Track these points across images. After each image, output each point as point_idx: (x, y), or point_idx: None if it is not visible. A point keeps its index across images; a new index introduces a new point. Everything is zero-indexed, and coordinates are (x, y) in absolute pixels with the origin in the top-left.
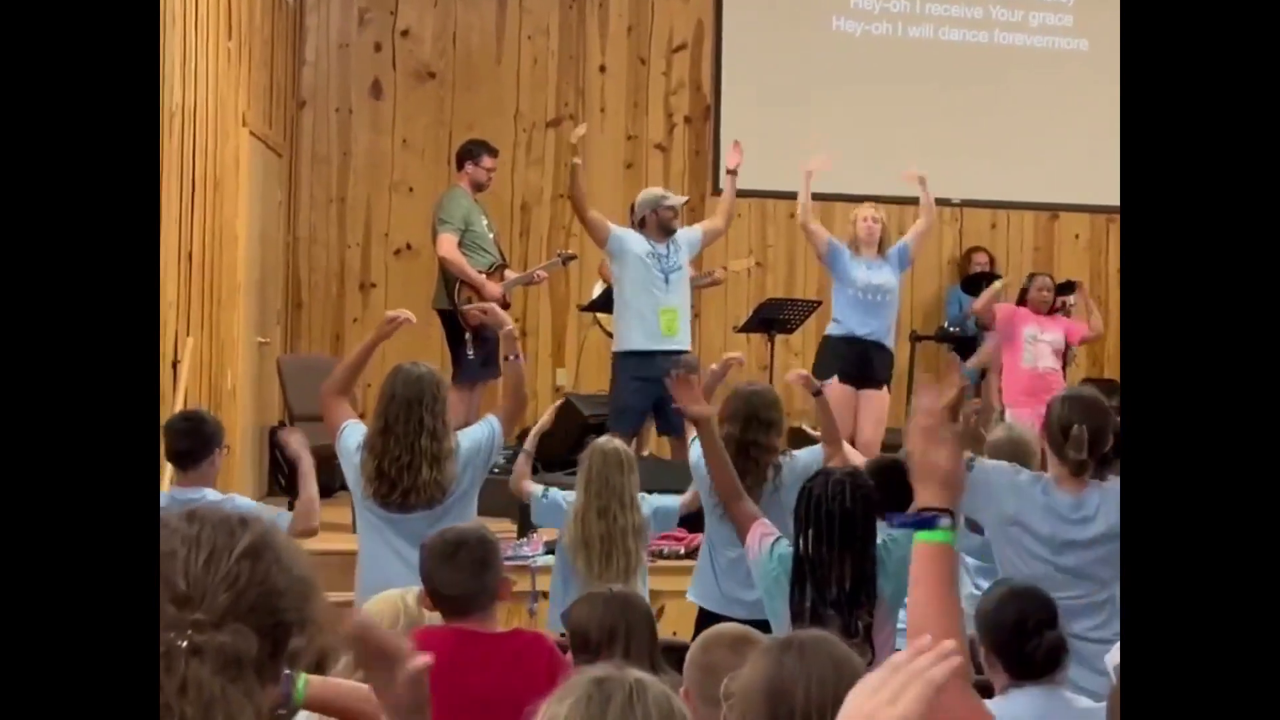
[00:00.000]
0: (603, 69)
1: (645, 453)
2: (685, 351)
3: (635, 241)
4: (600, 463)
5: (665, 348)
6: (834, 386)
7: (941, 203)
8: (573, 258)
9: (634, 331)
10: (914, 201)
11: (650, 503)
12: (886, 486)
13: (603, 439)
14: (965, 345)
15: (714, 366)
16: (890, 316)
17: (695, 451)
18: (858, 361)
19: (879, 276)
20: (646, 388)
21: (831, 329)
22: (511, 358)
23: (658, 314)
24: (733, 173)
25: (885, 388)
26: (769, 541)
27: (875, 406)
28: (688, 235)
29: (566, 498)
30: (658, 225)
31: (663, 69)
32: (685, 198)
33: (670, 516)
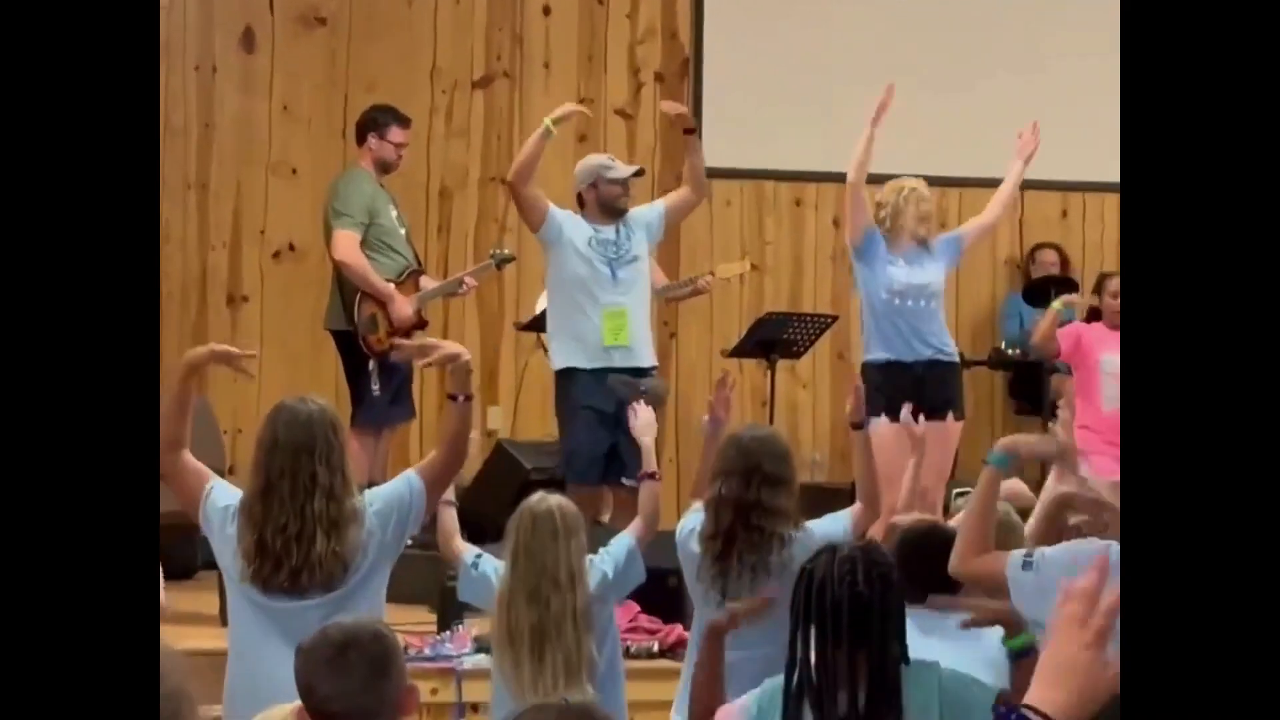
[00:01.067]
0: (547, 10)
1: (604, 517)
2: (649, 370)
3: (575, 226)
4: (529, 530)
5: (617, 363)
6: (880, 430)
7: (995, 184)
8: (510, 259)
9: (571, 343)
10: (956, 183)
11: (599, 564)
12: (919, 564)
13: (534, 498)
14: (1029, 374)
15: (706, 420)
16: (940, 322)
17: (687, 524)
18: (910, 391)
19: (921, 273)
20: (599, 419)
21: (868, 355)
22: (461, 398)
23: (600, 317)
24: (690, 131)
25: (952, 415)
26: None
27: (938, 438)
28: (644, 215)
29: (499, 571)
30: (599, 204)
31: (626, 10)
32: (637, 168)
33: (630, 572)
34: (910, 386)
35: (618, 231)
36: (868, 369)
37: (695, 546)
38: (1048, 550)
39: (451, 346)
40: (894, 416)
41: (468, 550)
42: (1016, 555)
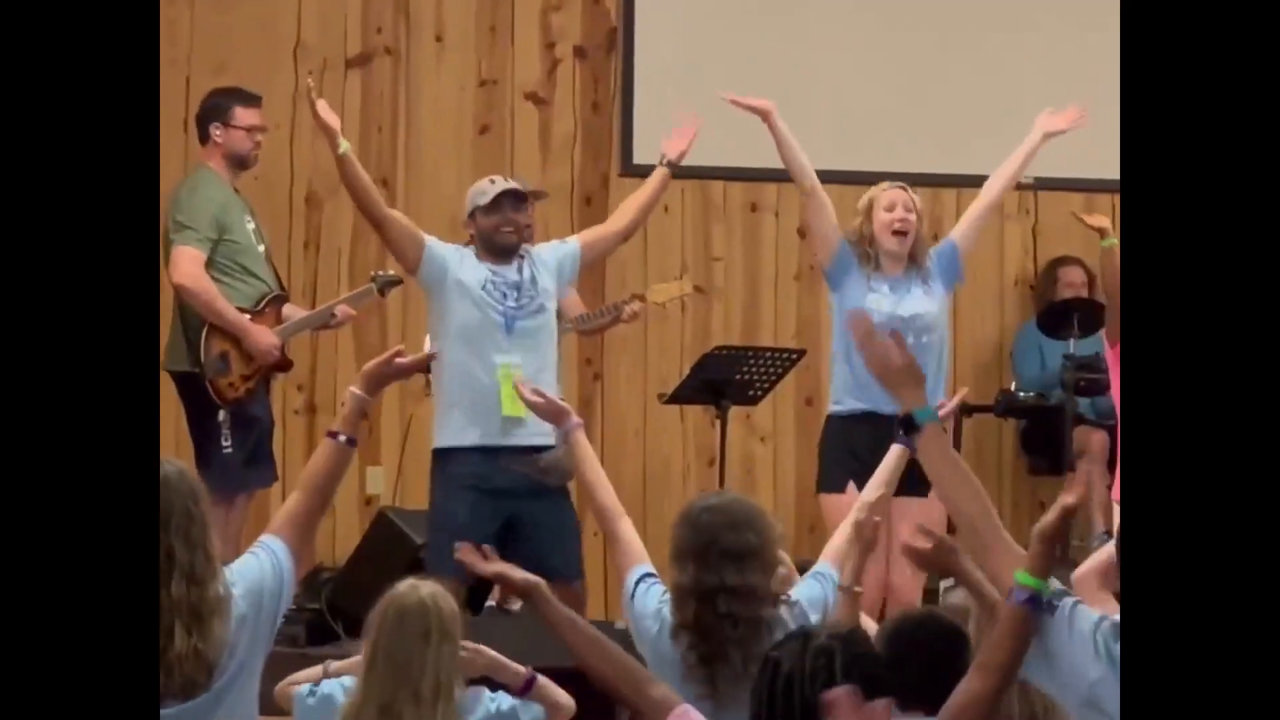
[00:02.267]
0: None
1: (492, 601)
2: (545, 448)
3: (465, 264)
4: (393, 627)
5: (514, 441)
6: (845, 501)
7: None
8: (395, 283)
9: (455, 414)
10: (945, 183)
11: (489, 700)
12: (912, 662)
13: (403, 586)
14: (1047, 424)
15: None
16: (934, 366)
17: (640, 599)
18: (878, 452)
19: (912, 302)
20: (486, 502)
21: (835, 406)
22: (343, 439)
23: (494, 378)
24: (672, 164)
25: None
26: None
27: (918, 520)
28: (555, 254)
29: (346, 686)
30: (482, 241)
31: None
32: (511, 186)
33: None
34: (881, 447)
35: (520, 272)
36: (833, 423)
37: (669, 649)
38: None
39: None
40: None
41: (302, 687)
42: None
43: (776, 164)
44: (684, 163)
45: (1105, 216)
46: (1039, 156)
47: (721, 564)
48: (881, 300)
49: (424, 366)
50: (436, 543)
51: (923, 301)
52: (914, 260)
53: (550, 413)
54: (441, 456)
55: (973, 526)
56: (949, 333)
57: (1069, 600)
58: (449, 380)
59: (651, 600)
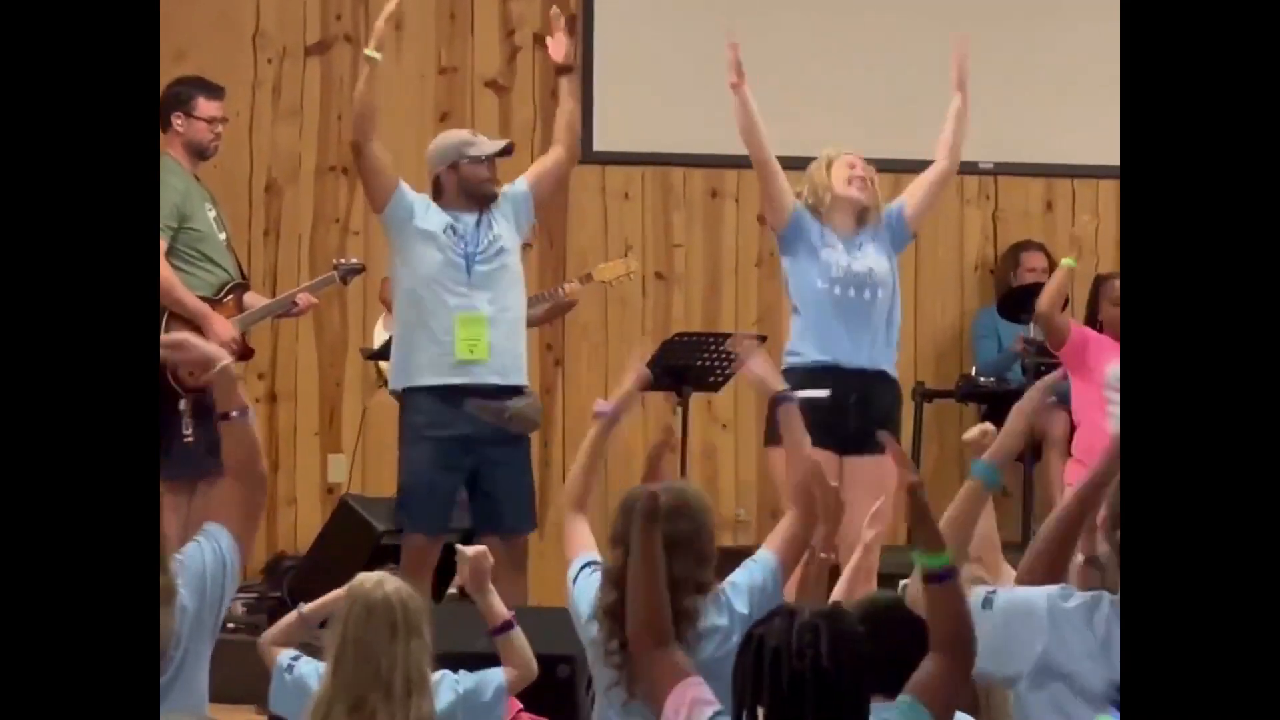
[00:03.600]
0: None
1: (453, 589)
2: (517, 389)
3: (429, 212)
4: (360, 621)
5: (473, 380)
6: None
7: (966, 169)
8: (357, 270)
9: (418, 355)
10: (909, 168)
11: (452, 684)
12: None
13: (369, 580)
14: (1007, 408)
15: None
16: (890, 321)
17: (581, 587)
18: (840, 407)
19: (865, 258)
20: (447, 452)
21: (791, 357)
22: (235, 414)
23: (453, 323)
24: (566, 69)
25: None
26: (706, 716)
27: (870, 481)
28: (509, 197)
29: (321, 673)
30: (461, 189)
31: None
32: (505, 143)
33: (490, 708)
34: (842, 402)
35: (479, 220)
36: (792, 375)
37: (594, 629)
38: (1008, 590)
39: (205, 347)
40: (820, 441)
41: (284, 653)
42: (978, 593)
43: (736, 150)
44: (644, 150)
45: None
46: (999, 142)
47: (677, 557)
48: (837, 255)
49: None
50: (407, 498)
51: (875, 258)
52: (864, 221)
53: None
54: (405, 399)
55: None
56: (910, 316)
57: (988, 592)
58: (409, 323)
59: (590, 587)
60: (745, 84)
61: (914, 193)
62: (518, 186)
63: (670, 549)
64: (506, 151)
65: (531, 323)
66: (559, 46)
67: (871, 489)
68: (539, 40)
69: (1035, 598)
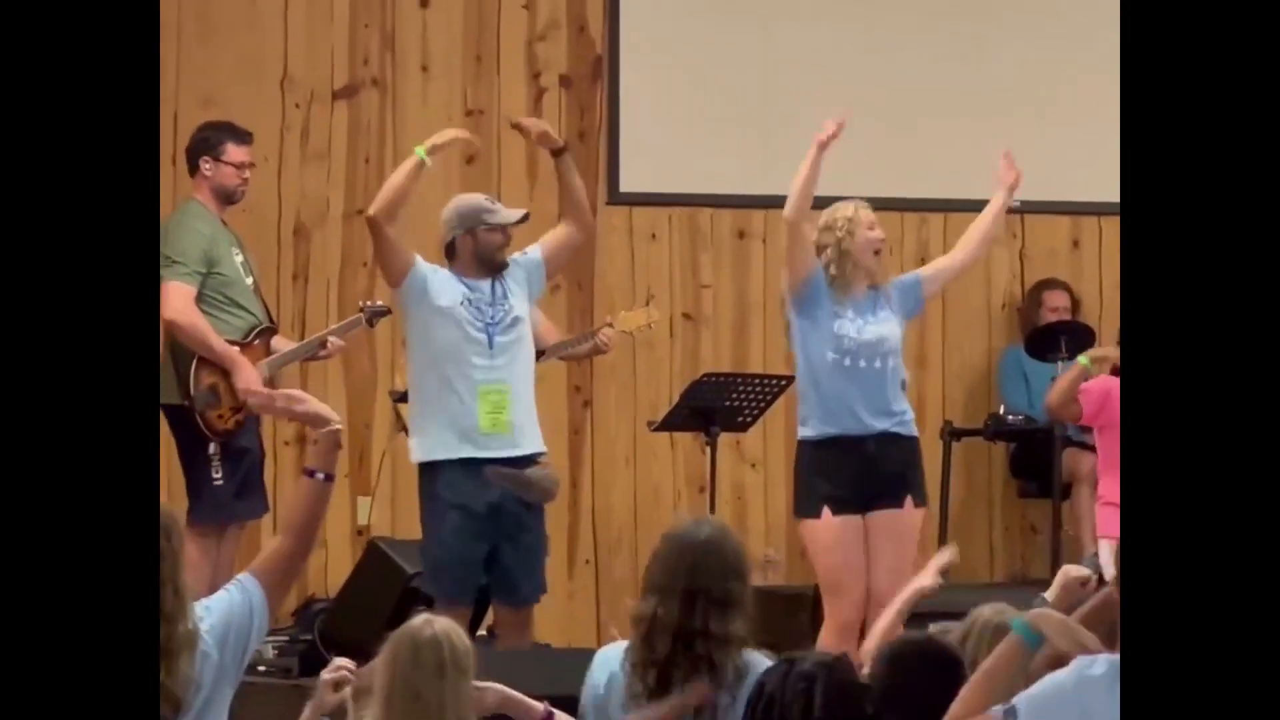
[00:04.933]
0: (425, 2)
1: (483, 629)
2: (534, 457)
3: (444, 284)
4: (409, 662)
5: (493, 452)
6: (822, 526)
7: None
8: (384, 313)
9: (438, 429)
10: (933, 208)
11: None
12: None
13: (417, 620)
14: (1036, 447)
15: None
16: (897, 384)
17: (598, 673)
18: (856, 474)
19: (875, 326)
20: (473, 522)
21: (805, 429)
22: (320, 476)
23: (475, 396)
24: (561, 151)
25: (911, 500)
26: None
27: (892, 531)
28: (523, 266)
29: None
30: (475, 256)
31: (523, 0)
32: (523, 212)
33: None
34: (859, 467)
35: (493, 289)
36: (805, 449)
37: (618, 671)
38: (1027, 694)
39: (320, 407)
40: (840, 508)
41: None
42: (996, 711)
43: (763, 191)
44: (671, 191)
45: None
46: (1026, 181)
47: (709, 607)
48: (847, 325)
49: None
50: (432, 571)
51: (887, 324)
52: (875, 286)
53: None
54: (426, 472)
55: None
56: (939, 355)
57: (1005, 710)
58: (427, 397)
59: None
60: (825, 152)
61: (933, 274)
62: (531, 255)
63: (722, 606)
64: (523, 221)
65: (565, 359)
66: (541, 134)
67: (894, 539)
68: (565, 82)
69: (1061, 680)
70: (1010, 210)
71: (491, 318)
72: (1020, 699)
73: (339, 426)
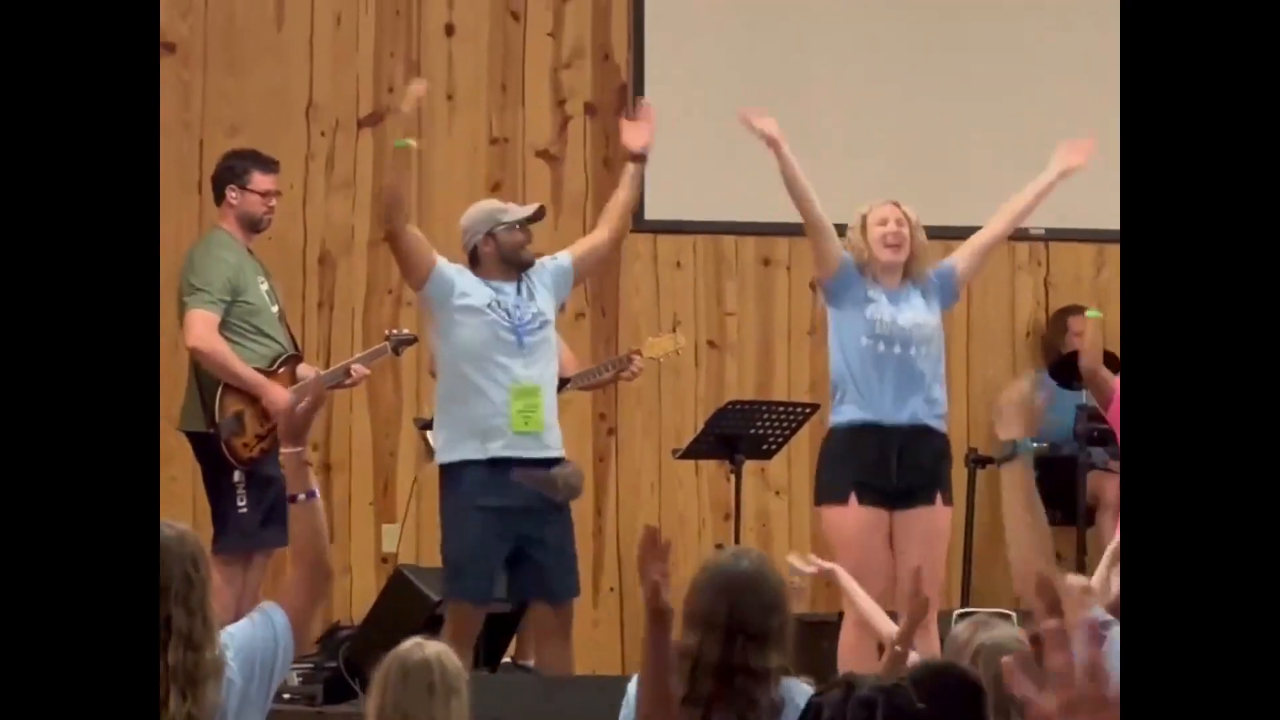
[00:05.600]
0: (449, 30)
1: (508, 657)
2: (558, 460)
3: (471, 284)
4: (398, 684)
5: (524, 453)
6: (849, 513)
7: (1017, 234)
8: (410, 341)
9: (465, 429)
10: (955, 235)
11: None
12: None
13: (406, 645)
14: (1059, 472)
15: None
16: (934, 376)
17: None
18: (883, 463)
19: (910, 313)
20: (497, 522)
21: (838, 416)
22: (303, 496)
23: (507, 397)
24: (639, 158)
25: (941, 498)
26: None
27: (921, 532)
28: (551, 269)
29: None
30: (499, 256)
31: (548, 27)
32: (536, 206)
33: None
34: (891, 455)
35: (519, 290)
36: (836, 434)
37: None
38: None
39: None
40: (868, 497)
41: None
42: (1100, 613)
43: (788, 218)
44: (696, 219)
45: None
46: (1050, 208)
47: (746, 645)
48: (881, 310)
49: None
50: (456, 568)
51: (923, 312)
52: (910, 273)
53: None
54: (449, 473)
55: (1027, 560)
56: (961, 380)
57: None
58: (455, 397)
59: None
60: (784, 144)
61: (965, 254)
62: (560, 260)
63: (765, 643)
64: (539, 215)
65: (588, 388)
66: (639, 134)
67: (923, 540)
68: (590, 110)
69: None
70: (1034, 237)
71: (520, 318)
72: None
73: (301, 448)
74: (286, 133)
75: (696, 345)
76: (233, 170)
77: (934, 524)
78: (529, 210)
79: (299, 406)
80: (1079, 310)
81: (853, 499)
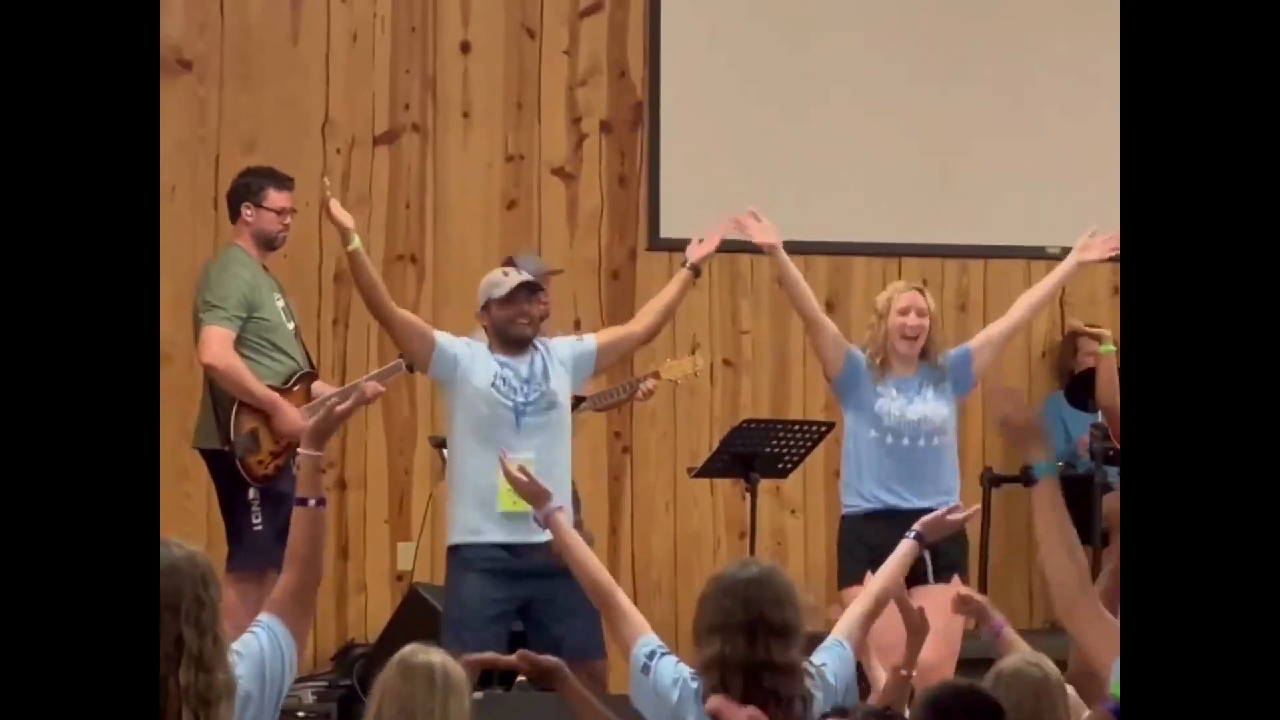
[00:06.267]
0: (465, 48)
1: (522, 678)
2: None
3: (476, 360)
4: (397, 680)
5: (522, 538)
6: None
7: (1034, 254)
8: None
9: (468, 509)
10: (973, 254)
11: None
12: None
13: (408, 649)
14: (1075, 494)
15: None
16: (947, 467)
17: (659, 675)
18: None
19: (921, 406)
20: (499, 581)
21: (850, 505)
22: (313, 502)
23: (499, 475)
24: (695, 268)
25: (959, 578)
26: None
27: (937, 607)
28: (571, 351)
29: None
30: (495, 333)
31: (563, 45)
32: (525, 277)
33: None
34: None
35: (532, 366)
36: (848, 523)
37: (675, 691)
38: None
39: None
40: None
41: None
42: (1112, 704)
43: (803, 237)
44: None
45: (1105, 328)
46: (1068, 226)
47: (769, 639)
48: (890, 404)
49: (360, 405)
50: (456, 632)
51: (933, 404)
52: (925, 359)
53: (530, 493)
54: (456, 550)
55: (1064, 584)
56: (977, 404)
57: None
58: (461, 475)
59: (668, 669)
60: (781, 248)
61: (984, 344)
62: (586, 344)
63: (786, 637)
64: (527, 287)
65: (604, 409)
66: (699, 250)
67: (944, 612)
68: (605, 128)
69: None
70: (1050, 256)
71: (525, 397)
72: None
73: (318, 453)
74: (302, 150)
75: (712, 364)
76: (248, 187)
77: (948, 599)
78: (516, 280)
79: (339, 408)
80: (1095, 329)
81: (868, 577)
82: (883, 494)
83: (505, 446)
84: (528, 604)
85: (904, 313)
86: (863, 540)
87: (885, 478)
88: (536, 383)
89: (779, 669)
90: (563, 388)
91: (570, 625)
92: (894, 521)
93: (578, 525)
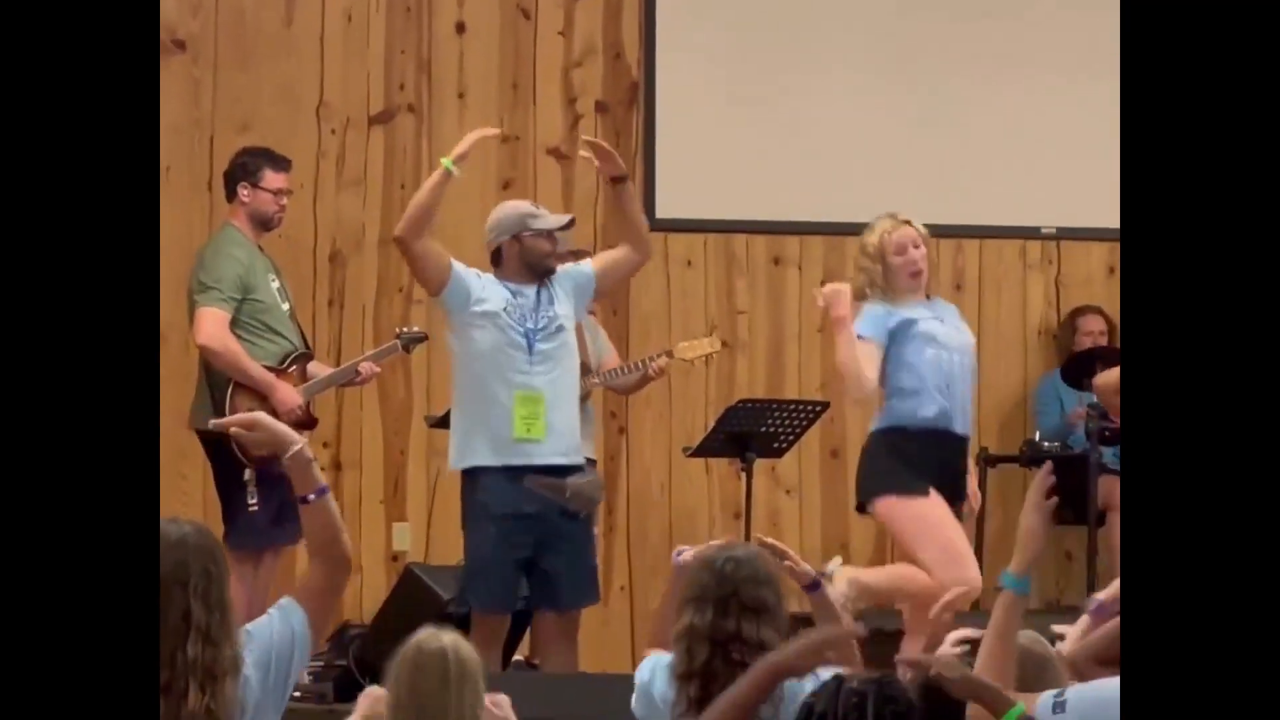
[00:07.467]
0: (460, 28)
1: (519, 656)
2: (578, 468)
3: (488, 288)
4: (410, 673)
5: (533, 460)
6: (933, 503)
7: (1029, 234)
8: (420, 339)
9: (478, 434)
10: (969, 234)
11: None
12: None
13: (422, 634)
14: (1072, 473)
15: (677, 556)
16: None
17: (647, 667)
18: (950, 471)
19: (955, 330)
20: (513, 530)
21: (919, 415)
22: (312, 496)
23: (512, 402)
24: (619, 180)
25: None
26: None
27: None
28: (573, 276)
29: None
30: (522, 262)
31: (559, 25)
32: (569, 218)
33: None
34: (950, 465)
35: (539, 295)
36: (908, 436)
37: (666, 688)
38: (1080, 688)
39: (278, 429)
40: (947, 491)
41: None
42: (1046, 697)
43: (798, 217)
44: (707, 218)
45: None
46: (1062, 206)
47: (740, 613)
48: (933, 325)
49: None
50: (473, 580)
51: (965, 333)
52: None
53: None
54: (466, 478)
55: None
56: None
57: (1057, 696)
58: (470, 401)
59: (647, 663)
60: (850, 326)
61: None
62: (583, 268)
63: (759, 615)
64: (569, 226)
65: (615, 389)
66: (608, 161)
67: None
68: (601, 108)
69: (1114, 686)
70: (1045, 236)
71: (535, 324)
72: (1071, 691)
73: (300, 446)
74: (297, 130)
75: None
76: (245, 168)
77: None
78: (561, 220)
79: (250, 434)
80: (1089, 310)
81: (933, 493)
82: (948, 410)
83: (517, 372)
84: (536, 548)
85: (901, 251)
86: (926, 455)
87: (946, 393)
88: (544, 309)
89: (748, 643)
90: (568, 313)
91: (566, 578)
92: (950, 444)
93: (584, 470)
